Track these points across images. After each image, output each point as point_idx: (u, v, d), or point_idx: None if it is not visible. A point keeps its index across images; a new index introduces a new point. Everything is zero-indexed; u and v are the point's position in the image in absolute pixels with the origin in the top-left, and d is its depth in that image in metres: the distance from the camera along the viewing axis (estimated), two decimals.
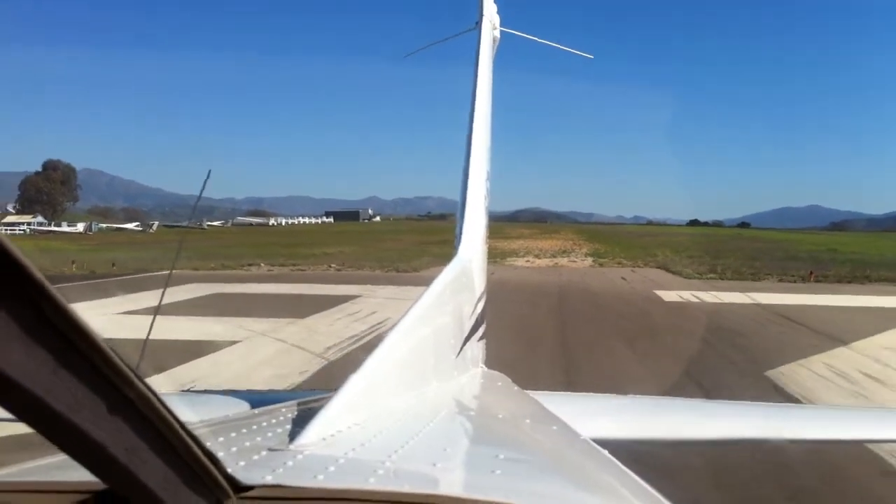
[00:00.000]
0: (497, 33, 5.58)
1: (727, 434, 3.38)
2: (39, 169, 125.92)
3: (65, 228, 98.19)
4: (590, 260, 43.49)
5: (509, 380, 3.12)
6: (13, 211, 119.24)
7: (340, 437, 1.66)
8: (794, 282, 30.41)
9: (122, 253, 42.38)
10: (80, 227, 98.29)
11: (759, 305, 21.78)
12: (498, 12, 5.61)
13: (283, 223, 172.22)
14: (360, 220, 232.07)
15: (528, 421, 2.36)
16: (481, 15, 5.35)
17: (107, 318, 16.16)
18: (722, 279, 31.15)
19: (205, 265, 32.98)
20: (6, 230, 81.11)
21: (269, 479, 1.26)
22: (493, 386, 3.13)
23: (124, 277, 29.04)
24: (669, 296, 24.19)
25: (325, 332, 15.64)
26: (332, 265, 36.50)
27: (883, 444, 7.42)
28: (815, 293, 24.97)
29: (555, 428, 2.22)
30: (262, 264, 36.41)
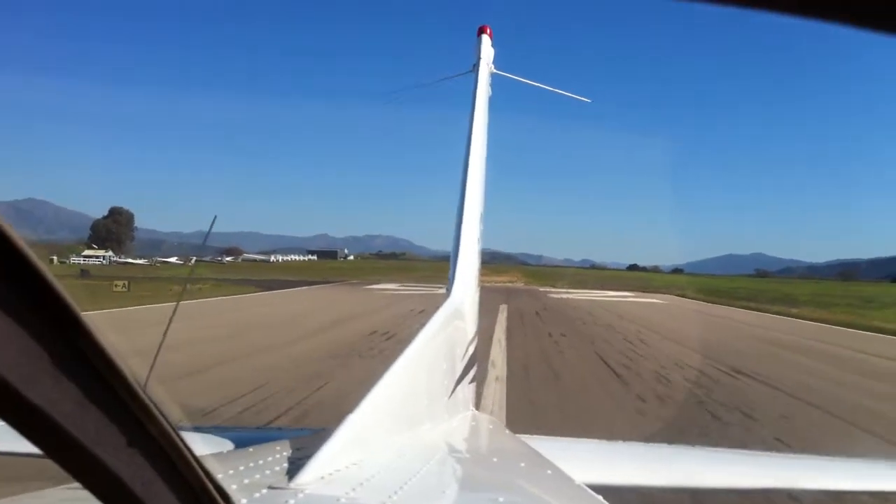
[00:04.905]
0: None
1: (711, 482, 3.43)
2: (106, 214, 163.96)
3: (138, 261, 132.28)
4: (522, 284, 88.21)
5: (500, 423, 3.39)
6: (95, 246, 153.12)
7: (339, 477, 1.65)
8: (616, 289, 74.22)
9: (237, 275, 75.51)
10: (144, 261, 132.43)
11: (573, 295, 65.54)
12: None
13: (280, 260, 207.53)
14: (339, 259, 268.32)
15: (522, 465, 2.39)
16: (479, 58, 5.54)
17: (389, 292, 58.44)
18: (576, 289, 75.44)
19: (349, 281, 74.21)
20: (87, 260, 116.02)
21: None
22: (485, 429, 3.23)
23: (325, 284, 69.98)
24: (543, 290, 69.05)
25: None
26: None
27: None
28: (609, 291, 69.38)
29: (549, 472, 2.24)
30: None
